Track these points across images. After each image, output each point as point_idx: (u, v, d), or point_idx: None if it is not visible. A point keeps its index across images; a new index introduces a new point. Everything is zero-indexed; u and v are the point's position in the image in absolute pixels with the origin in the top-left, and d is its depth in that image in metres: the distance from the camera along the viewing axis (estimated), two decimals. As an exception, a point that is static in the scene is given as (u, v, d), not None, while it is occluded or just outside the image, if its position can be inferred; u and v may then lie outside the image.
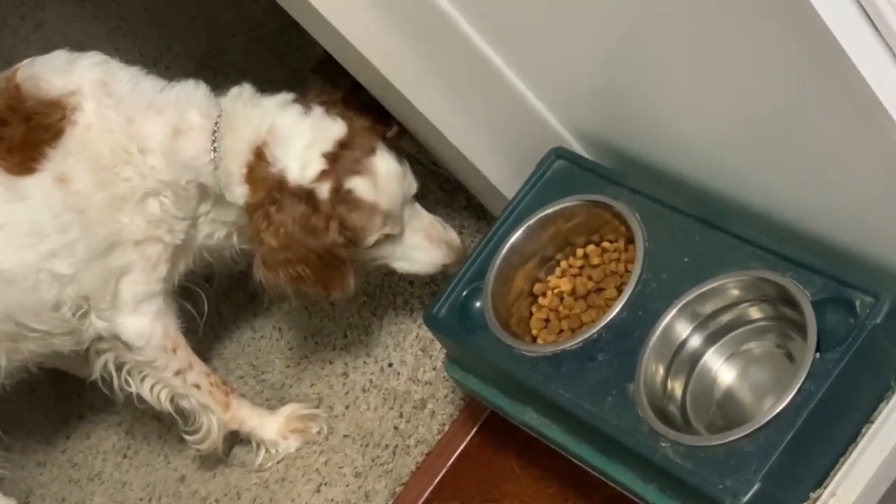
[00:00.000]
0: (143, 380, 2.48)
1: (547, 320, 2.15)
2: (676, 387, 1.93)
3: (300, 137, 2.25)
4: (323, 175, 2.24)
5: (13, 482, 2.78)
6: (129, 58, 2.42)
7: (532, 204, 2.17)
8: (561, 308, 2.15)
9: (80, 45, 2.43)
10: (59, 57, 2.33)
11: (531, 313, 2.18)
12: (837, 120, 1.61)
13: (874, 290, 1.75)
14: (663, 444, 1.80)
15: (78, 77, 2.29)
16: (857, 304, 1.76)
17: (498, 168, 2.33)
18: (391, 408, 2.52)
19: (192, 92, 2.32)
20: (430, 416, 2.47)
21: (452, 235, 2.39)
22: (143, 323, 2.40)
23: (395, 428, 2.49)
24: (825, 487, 1.75)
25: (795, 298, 1.81)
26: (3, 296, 2.32)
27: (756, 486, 1.69)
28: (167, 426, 2.72)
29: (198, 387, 2.50)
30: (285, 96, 2.32)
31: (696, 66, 1.76)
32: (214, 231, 2.43)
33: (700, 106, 1.86)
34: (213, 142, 2.28)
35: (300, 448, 2.57)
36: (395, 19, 2.09)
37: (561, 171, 2.18)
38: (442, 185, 2.73)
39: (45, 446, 2.87)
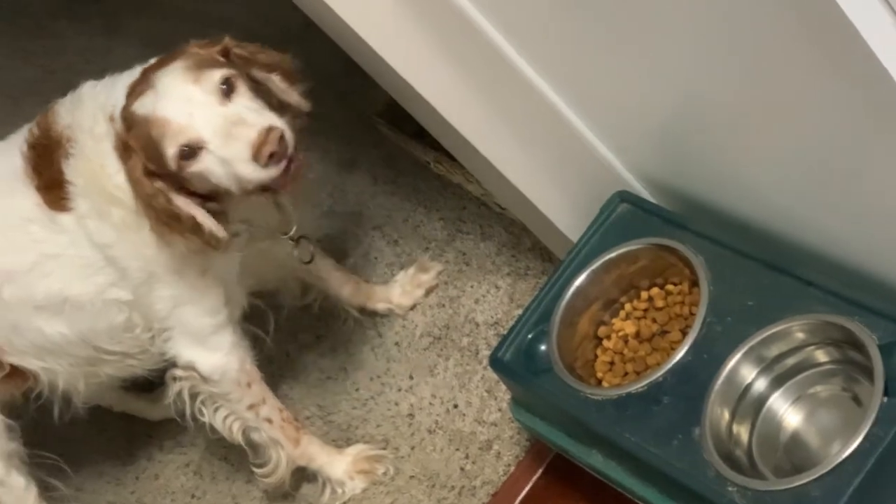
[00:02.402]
0: (216, 411, 2.48)
1: (612, 363, 2.16)
2: (742, 431, 1.93)
3: (125, 81, 2.19)
4: (122, 109, 2.15)
5: (83, 522, 2.82)
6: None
7: (596, 247, 2.18)
8: (626, 351, 2.15)
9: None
10: (71, 93, 2.32)
11: (596, 356, 2.18)
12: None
13: (941, 334, 1.75)
14: (730, 489, 1.80)
15: (69, 108, 2.28)
16: (925, 347, 1.76)
17: (562, 212, 2.33)
18: (457, 449, 2.53)
19: (102, 92, 2.25)
20: (495, 457, 2.48)
21: (243, 128, 2.07)
22: (217, 357, 2.40)
23: (461, 469, 2.50)
24: (893, 533, 1.75)
25: (862, 342, 1.80)
26: (76, 321, 2.35)
27: (824, 532, 1.68)
28: (235, 467, 2.75)
29: (270, 421, 2.50)
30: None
31: (759, 111, 1.76)
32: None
33: (763, 149, 1.86)
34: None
35: (366, 489, 2.57)
36: (460, 65, 2.11)
37: (625, 215, 2.19)
38: (507, 228, 2.75)
39: (115, 486, 2.89)
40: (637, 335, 2.15)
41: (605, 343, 2.18)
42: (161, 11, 3.85)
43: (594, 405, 2.02)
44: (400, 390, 2.69)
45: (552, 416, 2.15)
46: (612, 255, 2.16)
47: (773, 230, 2.03)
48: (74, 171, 2.24)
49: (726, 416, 1.91)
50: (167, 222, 2.17)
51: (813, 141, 1.73)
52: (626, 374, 2.12)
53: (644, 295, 2.18)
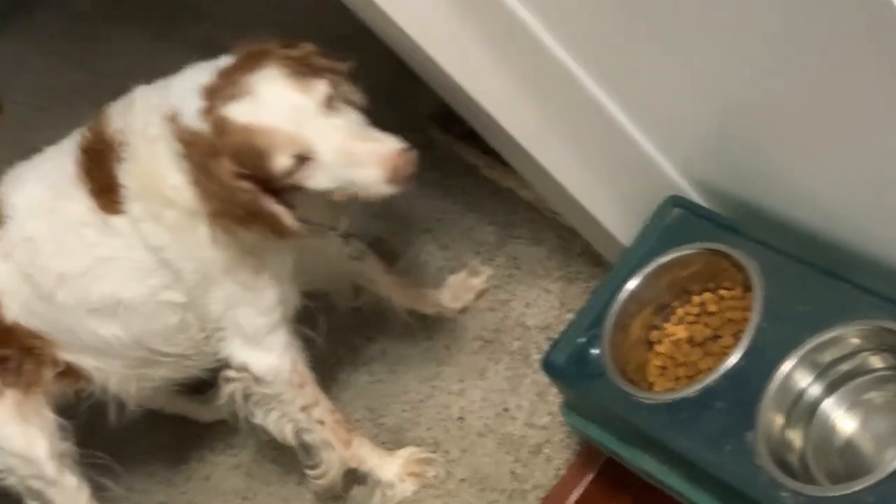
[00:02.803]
0: (268, 412, 2.48)
1: (664, 367, 2.15)
2: (796, 436, 1.92)
3: (185, 83, 2.18)
4: (203, 112, 2.11)
5: (135, 523, 2.84)
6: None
7: (649, 252, 2.18)
8: (678, 355, 2.15)
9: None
10: (123, 97, 2.32)
11: (648, 360, 2.18)
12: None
13: None
14: (783, 494, 1.79)
15: (122, 111, 2.28)
16: (981, 353, 1.75)
17: (614, 216, 2.33)
18: (507, 452, 2.53)
19: (154, 95, 2.26)
20: (546, 460, 2.48)
21: (374, 146, 2.11)
22: (271, 358, 2.41)
23: (512, 472, 2.50)
24: (949, 540, 1.73)
25: (917, 348, 1.80)
26: (130, 323, 2.37)
27: (878, 539, 1.68)
28: (286, 469, 2.76)
29: (322, 423, 2.51)
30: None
31: (814, 114, 1.76)
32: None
33: (817, 153, 1.86)
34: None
35: (417, 492, 2.58)
36: (514, 70, 2.11)
37: (677, 220, 2.19)
38: (558, 232, 2.75)
39: (167, 487, 2.92)
40: (689, 340, 2.15)
41: (658, 347, 2.18)
42: (212, 18, 3.88)
43: (646, 409, 2.02)
44: (450, 393, 2.69)
45: (604, 419, 2.15)
46: (665, 259, 2.16)
47: (827, 235, 2.02)
48: (127, 174, 2.25)
49: (779, 421, 1.91)
50: (244, 219, 2.16)
51: (869, 144, 1.72)
52: (677, 378, 2.12)
53: (696, 300, 2.18)
